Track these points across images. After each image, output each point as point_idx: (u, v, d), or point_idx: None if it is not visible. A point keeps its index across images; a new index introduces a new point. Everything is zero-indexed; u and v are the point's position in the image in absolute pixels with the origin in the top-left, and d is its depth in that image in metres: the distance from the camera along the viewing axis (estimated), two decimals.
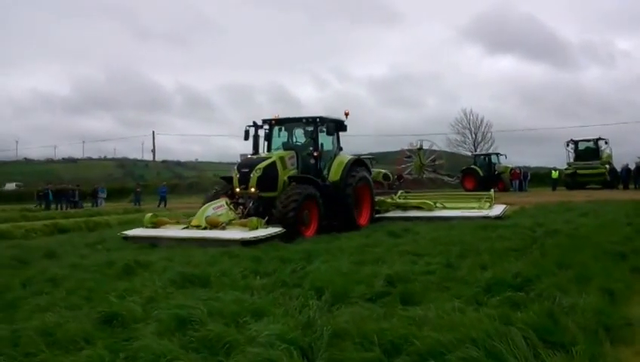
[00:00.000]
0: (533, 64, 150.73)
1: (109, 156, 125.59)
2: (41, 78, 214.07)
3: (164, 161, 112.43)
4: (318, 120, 15.00)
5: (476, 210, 16.48)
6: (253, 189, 13.45)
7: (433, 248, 9.57)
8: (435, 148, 50.02)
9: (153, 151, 70.25)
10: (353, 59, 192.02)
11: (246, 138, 15.46)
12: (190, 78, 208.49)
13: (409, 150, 50.38)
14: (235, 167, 14.37)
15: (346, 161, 15.30)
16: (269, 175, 13.66)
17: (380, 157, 55.08)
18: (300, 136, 15.69)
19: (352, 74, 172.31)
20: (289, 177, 13.92)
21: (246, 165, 13.98)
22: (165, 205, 39.01)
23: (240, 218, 12.93)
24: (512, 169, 45.01)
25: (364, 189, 15.84)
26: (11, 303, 6.46)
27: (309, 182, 13.89)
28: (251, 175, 13.53)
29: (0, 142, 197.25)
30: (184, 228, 12.86)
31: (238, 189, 13.67)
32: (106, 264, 8.85)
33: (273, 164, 13.88)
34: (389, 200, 18.24)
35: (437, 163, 48.84)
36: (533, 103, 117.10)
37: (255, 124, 15.55)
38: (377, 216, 16.71)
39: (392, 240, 11.13)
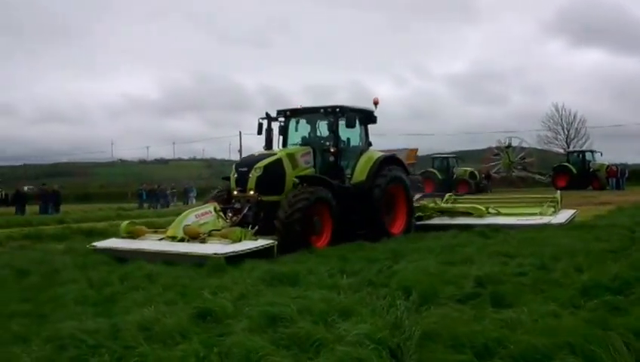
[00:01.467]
0: (624, 57, 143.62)
1: (198, 157, 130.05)
2: (132, 82, 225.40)
3: None
4: (337, 110, 12.67)
5: (536, 217, 14.04)
6: (252, 192, 11.46)
7: (524, 249, 9.27)
8: (524, 145, 48.68)
9: (240, 151, 71.54)
10: (432, 57, 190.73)
11: (259, 132, 13.44)
12: (272, 78, 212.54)
13: (497, 147, 49.33)
14: (234, 166, 12.35)
15: (374, 159, 13.09)
16: (273, 175, 11.60)
17: (464, 156, 54.16)
18: (322, 129, 13.44)
19: (432, 71, 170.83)
20: (297, 177, 11.83)
21: (245, 163, 11.96)
22: None
23: (231, 227, 10.84)
24: (608, 166, 42.92)
25: (399, 192, 13.54)
26: (110, 297, 6.79)
27: (322, 183, 11.81)
28: (250, 175, 11.51)
29: (97, 144, 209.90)
30: (161, 239, 10.82)
31: (235, 192, 11.78)
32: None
33: (278, 161, 11.80)
34: (432, 204, 15.80)
35: (527, 161, 47.45)
36: (626, 97, 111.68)
37: (268, 116, 13.50)
38: (419, 223, 14.49)
39: (481, 240, 10.86)
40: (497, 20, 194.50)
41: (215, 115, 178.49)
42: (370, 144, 13.77)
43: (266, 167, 11.51)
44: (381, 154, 13.60)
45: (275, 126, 13.60)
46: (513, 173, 47.31)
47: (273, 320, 5.15)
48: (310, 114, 13.43)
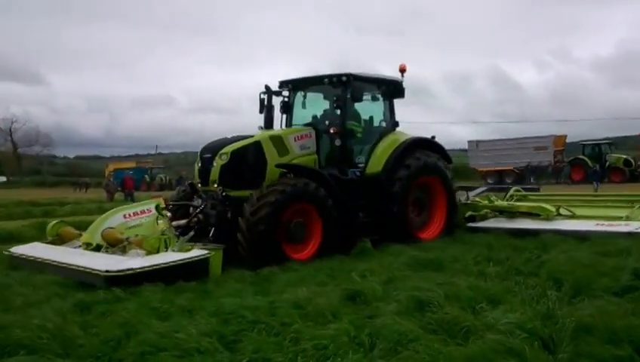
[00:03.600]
0: None
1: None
2: (271, 73, 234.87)
3: None
4: (344, 79, 9.88)
5: (620, 222, 10.45)
6: (215, 185, 8.98)
7: None
8: None
9: None
10: (575, 39, 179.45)
11: (261, 110, 10.85)
12: (409, 66, 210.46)
13: None
14: (198, 152, 9.72)
15: (399, 143, 10.32)
16: (246, 164, 9.07)
17: (618, 142, 50.60)
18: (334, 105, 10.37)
19: (575, 54, 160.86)
20: (279, 166, 9.24)
21: (210, 149, 9.33)
22: None
23: (177, 230, 8.40)
24: None
25: (435, 185, 10.73)
26: (266, 277, 7.20)
27: (310, 174, 9.21)
28: (214, 163, 9.07)
29: (248, 132, 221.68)
30: (78, 246, 8.71)
31: (199, 185, 9.46)
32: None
33: (255, 146, 9.20)
34: (486, 202, 12.45)
35: None
36: None
37: (268, 90, 10.78)
38: (471, 225, 11.46)
39: None
40: None
41: None
42: (396, 124, 11.02)
43: (234, 153, 9.01)
44: (409, 136, 10.75)
45: (278, 102, 11.04)
46: None
47: (421, 305, 5.25)
48: (317, 85, 10.76)
